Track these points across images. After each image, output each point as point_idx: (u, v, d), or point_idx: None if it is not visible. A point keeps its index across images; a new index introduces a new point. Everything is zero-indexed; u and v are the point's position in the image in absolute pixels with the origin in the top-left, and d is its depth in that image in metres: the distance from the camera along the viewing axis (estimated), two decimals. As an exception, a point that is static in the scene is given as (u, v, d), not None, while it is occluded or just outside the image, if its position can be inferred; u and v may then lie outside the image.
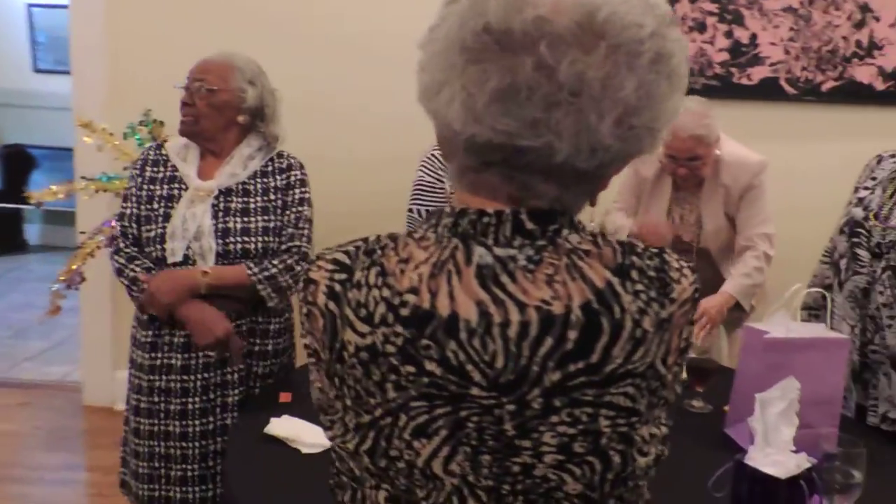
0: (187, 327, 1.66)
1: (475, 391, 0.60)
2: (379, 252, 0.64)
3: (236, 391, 1.72)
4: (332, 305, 0.64)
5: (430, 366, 0.60)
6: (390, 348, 0.61)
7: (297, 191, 1.79)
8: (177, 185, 1.75)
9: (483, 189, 0.63)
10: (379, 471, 0.64)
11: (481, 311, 0.60)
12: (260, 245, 1.71)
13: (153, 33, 2.81)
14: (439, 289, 0.61)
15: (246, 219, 1.72)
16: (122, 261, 1.72)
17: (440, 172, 2.28)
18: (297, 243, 1.75)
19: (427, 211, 2.27)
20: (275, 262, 1.71)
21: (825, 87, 2.72)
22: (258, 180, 1.77)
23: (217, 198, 1.73)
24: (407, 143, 2.44)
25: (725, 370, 1.75)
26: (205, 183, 1.73)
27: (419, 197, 2.29)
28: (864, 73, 2.69)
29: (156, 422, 1.70)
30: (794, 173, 2.61)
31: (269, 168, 1.79)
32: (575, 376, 0.60)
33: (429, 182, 2.29)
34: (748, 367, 1.49)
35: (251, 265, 1.69)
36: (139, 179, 1.78)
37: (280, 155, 1.82)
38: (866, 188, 1.77)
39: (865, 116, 2.74)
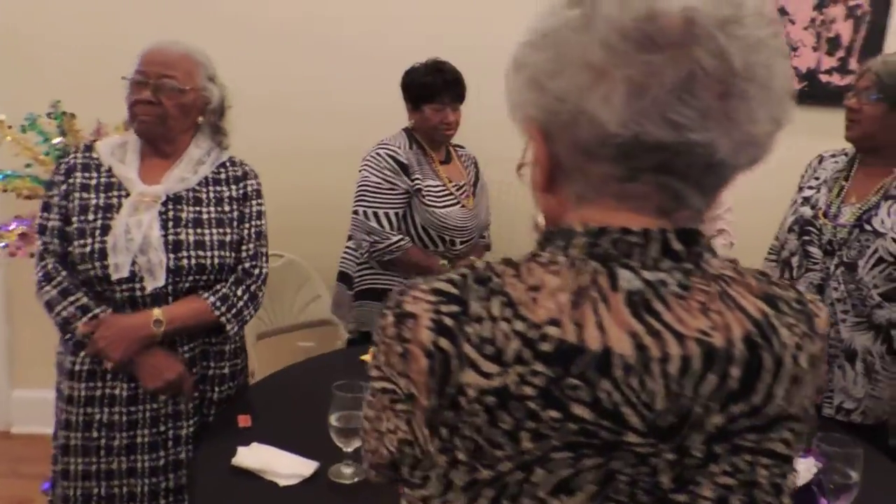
0: (132, 369, 1.49)
1: (631, 437, 0.53)
2: (497, 279, 0.56)
3: (190, 422, 1.56)
4: (443, 343, 0.55)
5: (578, 409, 0.52)
6: (528, 390, 0.53)
7: (254, 202, 1.64)
8: (115, 193, 1.54)
9: (629, 201, 0.57)
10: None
11: (637, 343, 0.53)
12: (216, 261, 1.55)
13: (60, 15, 2.53)
14: (585, 319, 0.53)
15: (199, 230, 1.55)
16: (52, 293, 1.50)
17: (387, 172, 2.19)
18: (258, 265, 1.61)
19: (375, 213, 2.17)
20: (238, 292, 1.56)
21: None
22: (210, 188, 1.60)
23: (165, 205, 1.54)
24: (360, 136, 2.36)
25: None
26: (150, 188, 1.54)
27: (365, 198, 2.19)
28: (780, 73, 2.81)
29: (93, 460, 1.51)
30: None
31: (223, 175, 1.63)
32: (737, 419, 0.55)
33: (375, 182, 2.19)
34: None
35: (214, 300, 1.54)
36: (64, 187, 1.55)
37: (232, 161, 1.66)
38: (811, 187, 1.84)
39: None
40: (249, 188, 1.64)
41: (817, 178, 1.85)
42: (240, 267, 1.59)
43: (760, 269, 1.68)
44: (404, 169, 2.19)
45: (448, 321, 0.55)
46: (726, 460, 0.55)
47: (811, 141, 2.88)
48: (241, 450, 1.35)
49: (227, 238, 1.58)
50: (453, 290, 0.56)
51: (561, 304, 0.54)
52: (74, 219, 1.52)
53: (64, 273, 1.51)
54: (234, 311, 1.55)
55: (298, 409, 1.59)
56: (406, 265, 2.21)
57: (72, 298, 1.49)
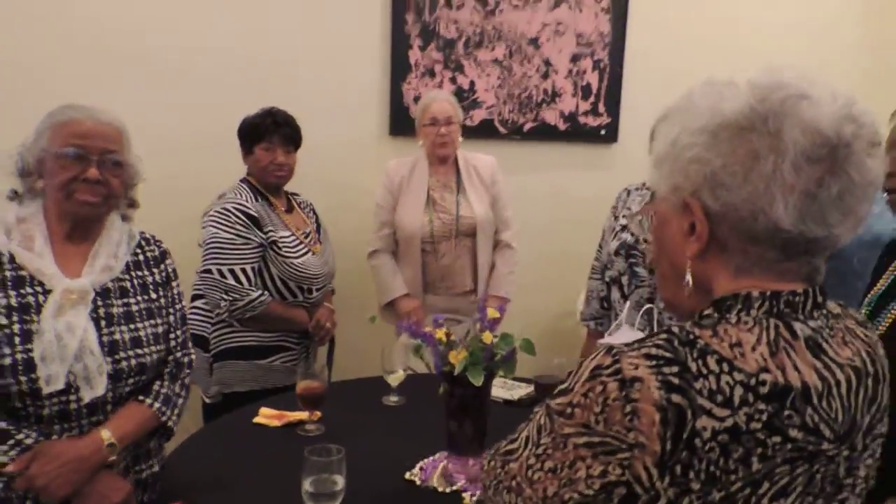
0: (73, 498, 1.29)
1: (825, 446, 0.70)
2: (701, 341, 0.69)
3: None
4: (676, 398, 0.66)
5: (793, 433, 0.68)
6: (755, 425, 0.67)
7: (174, 284, 1.51)
8: (29, 290, 1.31)
9: (785, 274, 0.73)
10: None
11: (820, 376, 0.70)
12: (155, 357, 1.41)
13: None
14: (785, 364, 0.69)
15: (132, 326, 1.39)
16: None
17: (238, 227, 2.12)
18: (187, 353, 1.50)
19: (231, 270, 2.07)
20: (176, 389, 1.45)
21: (526, 128, 3.25)
22: (133, 273, 1.44)
23: (94, 301, 1.35)
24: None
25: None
26: (76, 283, 1.33)
27: (218, 255, 2.08)
28: (551, 116, 3.29)
29: None
30: (516, 199, 3.07)
31: (141, 257, 1.47)
32: (874, 417, 0.74)
33: (227, 238, 2.10)
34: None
35: (159, 406, 1.41)
36: None
37: (146, 240, 1.51)
38: (626, 217, 2.22)
39: (554, 150, 3.35)
40: (169, 269, 1.51)
41: (629, 208, 2.23)
42: (171, 358, 1.46)
43: (588, 283, 1.99)
44: (255, 222, 2.14)
45: (674, 380, 0.67)
46: (869, 448, 0.76)
47: (575, 171, 3.44)
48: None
49: (160, 329, 1.44)
50: (667, 354, 0.69)
51: (763, 355, 0.69)
52: None
53: None
54: (177, 410, 1.44)
55: (232, 480, 1.49)
56: (268, 319, 2.14)
57: None
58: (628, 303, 2.11)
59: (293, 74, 2.81)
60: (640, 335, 1.69)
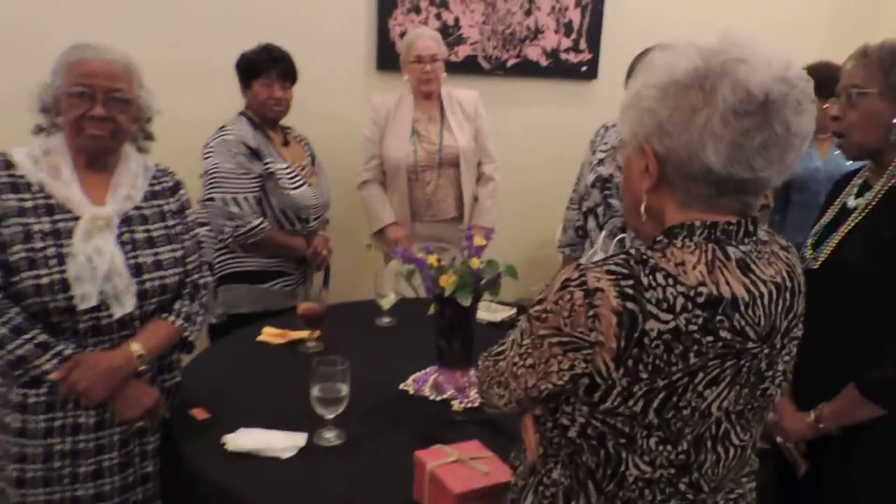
0: (108, 401, 1.45)
1: (750, 345, 0.88)
2: (655, 260, 0.86)
3: (155, 436, 1.56)
4: (630, 305, 0.83)
5: (723, 333, 0.86)
6: (692, 327, 0.84)
7: (188, 212, 1.64)
8: (60, 216, 1.43)
9: (720, 208, 0.90)
10: (661, 421, 0.87)
11: (747, 289, 0.87)
12: (175, 278, 1.55)
13: None
14: (719, 280, 0.86)
15: (154, 250, 1.52)
16: (2, 331, 1.38)
17: (241, 158, 2.24)
18: (203, 275, 1.64)
19: (234, 198, 2.19)
20: (195, 308, 1.60)
21: (509, 64, 3.34)
22: (151, 202, 1.56)
23: (119, 226, 1.47)
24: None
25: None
26: (101, 210, 1.45)
27: (221, 184, 2.21)
28: (533, 53, 3.38)
29: (56, 489, 1.45)
30: (499, 133, 3.20)
31: (157, 187, 1.59)
32: (791, 321, 0.92)
33: (229, 168, 2.22)
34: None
35: (181, 323, 1.56)
36: None
37: (160, 171, 1.62)
38: (603, 151, 2.37)
39: (536, 86, 3.46)
40: (184, 198, 1.63)
41: (606, 143, 2.38)
42: (189, 280, 1.59)
43: (565, 213, 2.17)
44: (255, 154, 2.26)
45: (629, 291, 0.84)
46: (787, 348, 0.94)
47: (556, 107, 3.56)
48: (228, 437, 1.43)
49: (178, 254, 1.57)
50: (624, 270, 0.85)
51: (702, 272, 0.86)
52: (18, 247, 1.39)
53: (14, 309, 1.39)
54: (196, 326, 1.58)
55: (243, 390, 1.67)
56: (268, 246, 2.29)
57: (27, 336, 1.39)
58: (603, 232, 2.28)
59: (283, 9, 2.86)
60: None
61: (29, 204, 1.43)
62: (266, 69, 2.27)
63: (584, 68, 3.51)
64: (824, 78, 2.68)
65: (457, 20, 3.17)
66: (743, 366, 0.89)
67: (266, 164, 2.27)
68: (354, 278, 2.89)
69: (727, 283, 0.87)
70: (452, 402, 1.69)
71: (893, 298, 1.34)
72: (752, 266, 0.90)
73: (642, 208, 0.94)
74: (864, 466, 1.42)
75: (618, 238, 2.02)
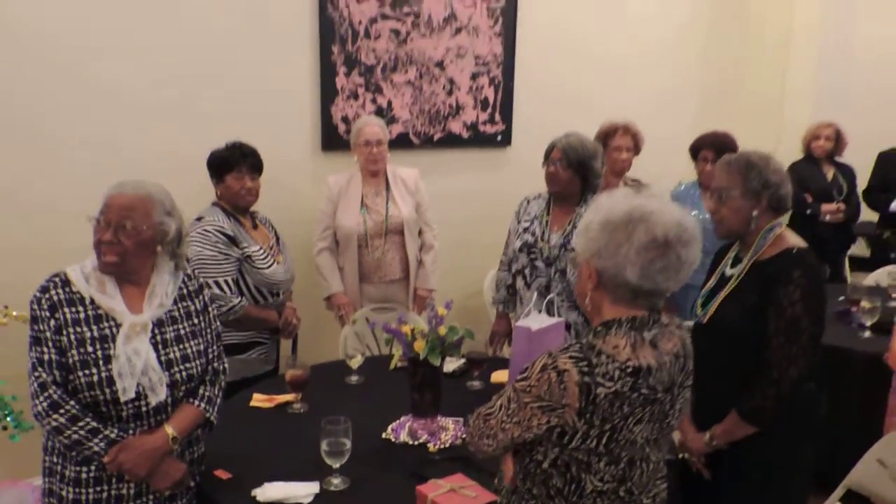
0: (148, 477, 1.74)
1: (659, 395, 1.33)
2: (599, 346, 1.29)
3: (184, 500, 1.84)
4: (586, 379, 1.26)
5: (644, 390, 1.30)
6: (625, 388, 1.28)
7: (210, 309, 1.92)
8: (106, 325, 1.71)
9: (637, 306, 1.34)
10: (607, 451, 1.30)
11: (657, 360, 1.32)
12: (200, 369, 1.84)
13: None
14: (639, 355, 1.30)
15: (181, 346, 1.81)
16: (61, 420, 1.65)
17: (220, 246, 2.54)
18: (222, 362, 1.94)
19: (216, 282, 2.49)
20: (215, 391, 1.89)
21: (436, 138, 3.79)
22: (179, 305, 1.84)
23: (152, 330, 1.76)
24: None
25: (490, 358, 2.62)
26: (139, 317, 1.74)
27: (204, 270, 2.50)
28: (456, 126, 3.85)
29: None
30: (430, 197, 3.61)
31: (185, 291, 1.87)
32: (684, 376, 1.38)
33: (210, 255, 2.52)
34: (520, 351, 2.36)
35: (205, 406, 1.84)
36: (52, 322, 1.67)
37: (188, 276, 1.91)
38: (527, 221, 2.82)
39: (459, 155, 3.93)
40: (206, 298, 1.92)
41: (529, 214, 2.83)
42: (210, 367, 1.89)
43: (497, 274, 2.62)
44: (232, 240, 2.57)
45: (585, 369, 1.27)
46: (682, 393, 1.39)
47: (477, 173, 4.03)
48: (258, 490, 1.75)
49: (202, 347, 1.86)
50: (580, 355, 1.28)
51: (629, 351, 1.30)
52: (73, 351, 1.67)
53: (71, 402, 1.66)
54: (216, 408, 1.88)
55: (253, 450, 1.98)
56: (246, 321, 2.60)
57: (81, 423, 1.66)
58: (535, 294, 2.72)
59: (240, 103, 3.19)
60: (546, 317, 2.30)
61: (82, 315, 1.71)
62: (237, 164, 2.60)
63: (499, 137, 4.01)
64: (720, 143, 3.30)
65: (389, 103, 3.60)
66: (655, 409, 1.34)
67: (242, 248, 2.59)
68: (314, 341, 3.22)
69: (644, 356, 1.31)
70: (428, 445, 2.06)
71: (759, 349, 1.83)
72: (659, 343, 1.35)
73: (587, 300, 1.38)
74: (748, 469, 1.90)
75: (547, 299, 2.47)
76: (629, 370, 1.28)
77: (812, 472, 1.95)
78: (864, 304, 3.10)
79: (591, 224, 1.35)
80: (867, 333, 3.07)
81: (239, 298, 2.56)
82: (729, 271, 1.98)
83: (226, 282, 2.54)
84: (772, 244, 1.89)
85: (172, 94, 3.04)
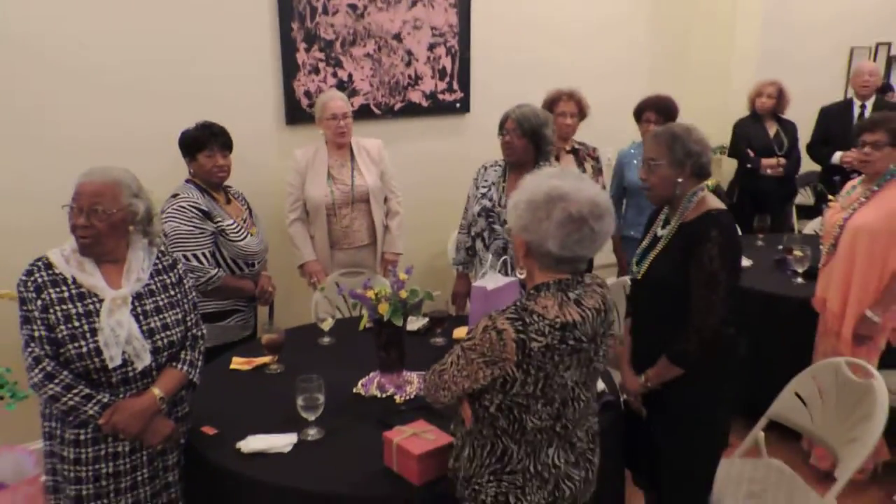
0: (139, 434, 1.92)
1: (584, 345, 1.55)
2: (531, 307, 1.50)
3: (174, 454, 2.05)
4: (520, 336, 1.47)
5: (571, 342, 1.52)
6: (555, 341, 1.49)
7: (185, 281, 2.09)
8: (90, 300, 1.88)
9: (561, 271, 1.56)
10: (542, 394, 1.52)
11: (581, 315, 1.53)
12: (179, 335, 2.03)
13: None
14: (566, 312, 1.52)
15: (161, 316, 1.99)
16: (57, 389, 1.83)
17: (195, 221, 2.69)
18: (201, 329, 2.12)
19: (194, 255, 2.66)
20: (196, 355, 2.08)
21: (396, 108, 3.94)
22: (156, 279, 2.01)
23: (132, 303, 1.93)
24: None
25: (452, 316, 2.83)
26: (118, 292, 1.91)
27: (181, 244, 2.66)
28: (415, 96, 4.00)
29: (104, 502, 1.93)
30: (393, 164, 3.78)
31: (160, 266, 2.04)
32: (605, 328, 1.60)
33: (187, 230, 2.68)
34: (477, 308, 2.57)
35: (187, 369, 2.03)
36: (39, 303, 1.84)
37: (162, 252, 2.07)
38: (484, 187, 3.01)
39: (420, 123, 4.08)
40: (181, 271, 2.09)
41: (486, 181, 3.02)
42: (189, 334, 2.07)
43: (458, 236, 2.84)
44: (207, 215, 2.72)
45: (520, 327, 1.48)
46: (604, 343, 1.62)
47: (438, 139, 4.20)
48: (241, 443, 1.95)
49: (180, 316, 2.04)
50: (515, 316, 1.49)
51: (556, 309, 1.51)
52: (62, 327, 1.84)
53: (64, 373, 1.84)
54: (197, 370, 2.07)
55: (234, 408, 2.18)
56: (224, 290, 2.77)
57: (75, 391, 1.85)
58: (492, 256, 2.93)
59: (205, 83, 3.32)
60: (501, 277, 2.52)
61: (66, 294, 1.88)
62: (209, 143, 2.74)
63: (457, 105, 4.17)
64: (661, 105, 3.51)
65: (350, 76, 3.73)
66: (582, 356, 1.57)
67: (216, 222, 2.74)
68: (289, 306, 3.41)
69: (569, 313, 1.53)
70: (395, 397, 2.28)
71: (686, 299, 2.05)
72: (582, 301, 1.57)
73: (520, 268, 1.59)
74: (677, 405, 2.15)
75: (502, 260, 2.67)
76: (557, 326, 1.50)
77: (733, 406, 2.21)
78: (797, 252, 3.36)
79: (519, 203, 1.56)
80: (799, 280, 3.34)
81: (216, 270, 2.73)
82: (660, 232, 2.20)
83: (203, 254, 2.70)
84: (695, 207, 2.10)
85: (140, 75, 3.15)
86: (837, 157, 4.40)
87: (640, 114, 3.56)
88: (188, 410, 2.12)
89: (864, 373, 2.23)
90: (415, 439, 1.83)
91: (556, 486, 1.60)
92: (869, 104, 4.53)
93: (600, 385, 2.15)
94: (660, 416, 2.18)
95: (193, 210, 2.69)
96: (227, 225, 2.78)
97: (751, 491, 2.29)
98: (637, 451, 2.27)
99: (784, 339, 3.16)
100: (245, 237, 2.84)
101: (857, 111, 4.56)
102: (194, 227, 2.69)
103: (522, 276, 1.65)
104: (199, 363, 2.10)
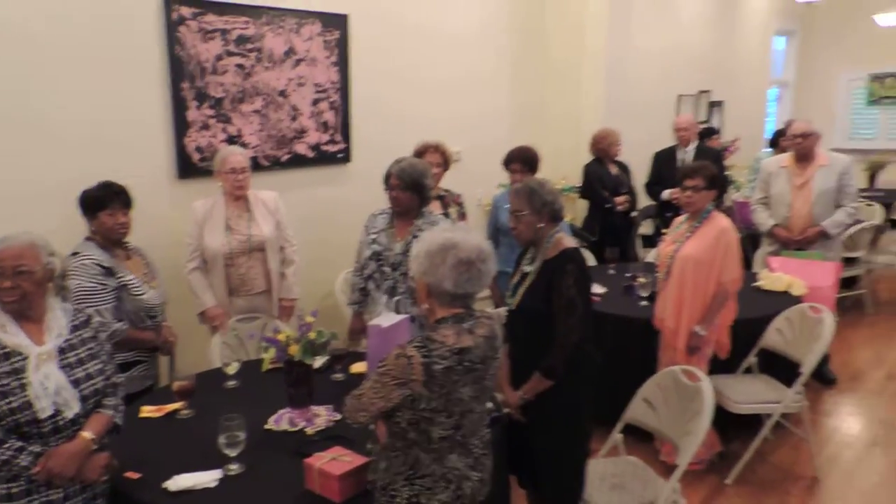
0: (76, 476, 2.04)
1: (477, 366, 1.90)
2: (434, 336, 1.84)
3: (100, 501, 2.17)
4: (426, 360, 1.80)
5: (466, 363, 1.86)
6: (453, 364, 1.83)
7: (100, 335, 2.24)
8: (16, 359, 2.00)
9: (457, 306, 1.91)
10: (444, 408, 1.85)
11: (475, 342, 1.89)
12: (102, 384, 2.17)
13: None
14: (461, 340, 1.86)
15: (84, 367, 2.13)
16: None
17: (98, 277, 2.81)
18: (121, 378, 2.28)
19: (98, 311, 2.76)
20: (117, 400, 2.23)
21: (283, 159, 4.19)
22: (75, 334, 2.16)
23: (57, 357, 2.07)
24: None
25: (350, 353, 3.10)
26: (43, 348, 2.05)
27: (86, 300, 2.76)
28: (301, 148, 4.27)
29: None
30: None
31: (76, 322, 2.18)
32: (494, 352, 1.97)
33: (90, 287, 2.79)
34: (374, 344, 2.86)
35: (113, 413, 2.18)
36: None
37: (76, 309, 2.21)
38: (374, 233, 3.33)
39: (305, 173, 4.35)
40: (94, 325, 2.23)
41: (375, 227, 3.34)
42: (110, 381, 2.22)
43: (352, 278, 3.15)
44: (109, 272, 2.84)
45: (426, 353, 1.82)
46: (492, 365, 1.99)
47: (323, 187, 4.48)
48: (169, 483, 2.12)
49: (100, 366, 2.18)
50: (421, 345, 1.83)
51: (454, 338, 1.87)
52: None
53: None
54: (122, 414, 2.22)
55: (153, 453, 2.33)
56: (127, 343, 2.89)
57: (6, 445, 1.96)
58: (386, 296, 3.23)
59: (99, 139, 3.42)
60: (394, 315, 2.84)
61: None
62: (111, 201, 2.87)
63: (340, 155, 4.48)
64: (524, 156, 4.00)
65: (240, 131, 3.94)
66: (476, 375, 1.92)
67: (118, 278, 2.86)
68: (185, 352, 3.53)
69: (465, 340, 1.88)
70: (306, 429, 2.52)
71: (551, 325, 2.47)
72: (475, 330, 1.93)
73: (424, 305, 1.92)
74: (548, 413, 2.55)
75: (395, 299, 2.99)
76: (455, 351, 1.85)
77: (595, 412, 2.65)
78: (641, 279, 3.94)
79: (419, 253, 1.91)
80: (644, 303, 3.91)
81: (119, 323, 2.85)
82: (527, 268, 2.63)
83: (106, 309, 2.81)
84: (553, 246, 2.55)
85: (31, 128, 3.21)
86: (667, 194, 5.13)
87: (508, 163, 4.04)
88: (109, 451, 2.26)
89: (694, 377, 2.75)
90: (334, 463, 2.10)
91: (458, 486, 1.93)
92: (692, 149, 5.32)
93: (489, 403, 2.51)
94: (535, 423, 2.58)
95: (97, 267, 2.81)
96: (129, 280, 2.91)
97: (613, 484, 2.72)
98: (519, 457, 2.65)
99: (634, 354, 3.68)
100: (146, 291, 2.98)
101: (680, 156, 5.35)
102: (97, 283, 2.80)
103: (414, 313, 1.99)
104: (122, 407, 2.25)
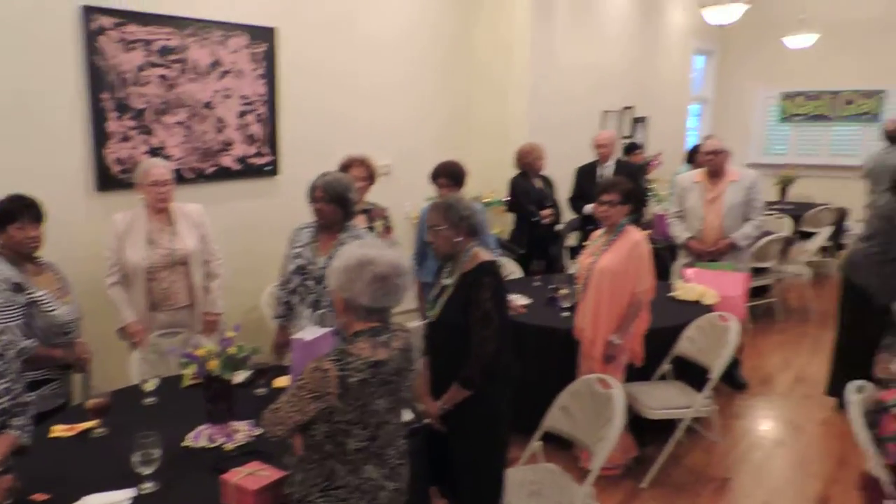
0: None
1: (392, 378, 1.94)
2: (349, 349, 1.88)
3: None
4: (341, 373, 1.84)
5: (381, 376, 1.91)
6: (368, 376, 1.87)
7: (9, 353, 2.20)
8: None
9: (373, 320, 1.95)
10: (360, 420, 1.89)
11: (389, 355, 1.93)
12: (8, 403, 2.15)
13: None
14: (377, 353, 1.91)
15: None
16: None
17: (6, 294, 2.73)
18: (31, 397, 2.25)
19: (6, 327, 2.66)
20: (24, 420, 2.19)
21: (208, 172, 4.14)
22: None
23: None
24: None
25: (274, 367, 3.09)
26: None
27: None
28: (227, 160, 4.23)
29: None
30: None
31: None
32: (409, 364, 2.02)
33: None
34: (298, 358, 2.87)
35: (18, 433, 2.15)
36: None
37: None
38: (299, 247, 3.33)
39: (231, 186, 4.31)
40: (2, 343, 2.19)
41: (299, 241, 3.34)
42: (18, 401, 2.18)
43: (277, 292, 3.17)
44: (18, 287, 2.76)
45: (342, 366, 1.86)
46: (408, 377, 2.04)
47: (249, 200, 4.45)
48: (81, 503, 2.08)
49: (7, 385, 2.16)
50: (337, 358, 1.86)
51: (370, 351, 1.91)
52: None
53: None
54: (29, 434, 2.19)
55: (62, 474, 2.28)
56: (36, 361, 2.81)
57: None
58: (310, 310, 3.24)
59: (11, 151, 3.34)
60: (318, 329, 2.86)
61: None
62: (21, 214, 2.79)
63: (267, 167, 4.46)
64: (450, 170, 4.07)
65: (163, 143, 3.89)
66: (391, 387, 1.96)
67: (28, 294, 2.78)
68: (101, 368, 3.44)
69: (380, 353, 1.93)
70: (225, 445, 2.50)
71: (469, 337, 2.53)
72: (390, 343, 1.98)
73: (342, 319, 1.96)
74: (467, 421, 2.61)
75: (319, 313, 3.01)
76: (370, 363, 1.89)
77: (511, 418, 2.73)
78: (563, 291, 4.06)
79: (337, 269, 1.95)
80: (566, 313, 4.03)
81: (29, 340, 2.77)
82: (445, 281, 2.69)
83: (16, 326, 2.72)
84: (470, 260, 2.62)
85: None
86: (589, 208, 5.30)
87: (435, 178, 4.11)
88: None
89: (607, 385, 2.86)
90: (251, 478, 2.10)
91: (374, 496, 1.96)
92: (611, 164, 5.52)
93: (409, 415, 2.56)
94: (454, 431, 2.64)
95: (3, 283, 2.72)
96: (39, 297, 2.83)
97: (531, 490, 2.80)
98: (440, 466, 2.70)
99: (556, 363, 3.79)
100: (58, 307, 2.90)
101: (600, 171, 5.54)
102: (5, 300, 2.72)
103: (338, 326, 2.02)
104: (30, 427, 2.20)
